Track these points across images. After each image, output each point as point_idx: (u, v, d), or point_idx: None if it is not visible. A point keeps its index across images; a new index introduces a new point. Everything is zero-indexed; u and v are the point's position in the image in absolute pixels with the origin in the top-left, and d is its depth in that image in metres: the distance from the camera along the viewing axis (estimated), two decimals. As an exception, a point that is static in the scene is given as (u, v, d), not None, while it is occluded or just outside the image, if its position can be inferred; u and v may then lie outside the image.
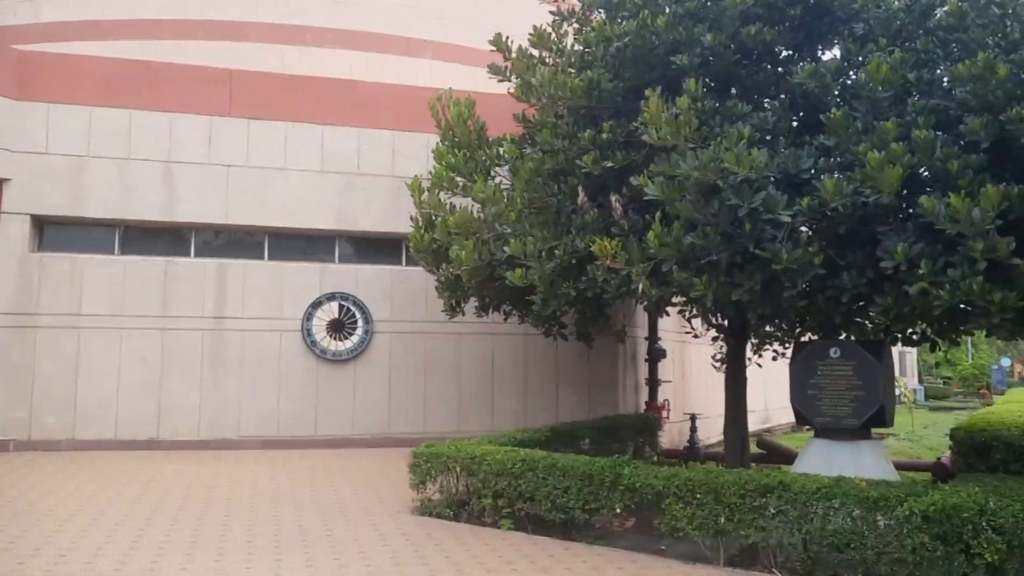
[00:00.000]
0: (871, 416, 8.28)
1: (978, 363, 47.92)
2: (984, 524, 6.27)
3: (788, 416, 24.36)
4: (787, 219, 7.21)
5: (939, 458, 13.18)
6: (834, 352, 8.46)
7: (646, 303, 9.91)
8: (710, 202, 7.56)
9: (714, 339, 11.85)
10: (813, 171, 7.72)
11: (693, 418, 14.91)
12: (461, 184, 10.53)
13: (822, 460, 8.41)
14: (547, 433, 10.77)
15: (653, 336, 15.30)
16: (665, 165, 7.39)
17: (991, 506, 6.35)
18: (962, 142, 7.27)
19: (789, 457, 14.07)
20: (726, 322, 10.86)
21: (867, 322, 8.88)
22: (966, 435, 8.98)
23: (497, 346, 14.64)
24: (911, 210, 7.51)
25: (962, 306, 7.00)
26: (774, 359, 12.92)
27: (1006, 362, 45.40)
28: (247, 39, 17.73)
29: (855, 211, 7.39)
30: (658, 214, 7.75)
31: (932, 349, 9.59)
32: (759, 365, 12.47)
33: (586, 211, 8.80)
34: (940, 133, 7.23)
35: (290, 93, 14.22)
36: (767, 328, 11.93)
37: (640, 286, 7.88)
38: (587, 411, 14.52)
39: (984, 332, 8.60)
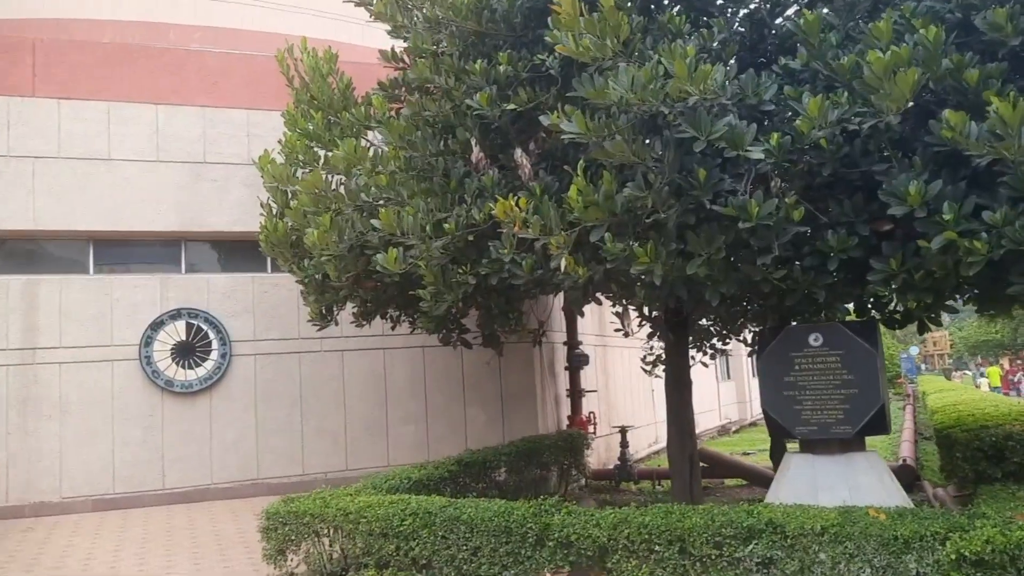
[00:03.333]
0: (869, 420, 6.32)
1: (885, 353, 48.34)
2: (1066, 568, 4.41)
3: (714, 420, 23.00)
4: (759, 156, 5.22)
5: (903, 459, 11.59)
6: (815, 339, 6.47)
7: (566, 295, 7.78)
8: (651, 141, 5.49)
9: (649, 336, 9.80)
10: (777, 102, 5.82)
11: (623, 432, 12.91)
12: (322, 156, 8.15)
13: (806, 483, 6.43)
14: (452, 467, 8.61)
15: (573, 339, 13.19)
16: (589, 87, 5.25)
17: (1070, 541, 4.49)
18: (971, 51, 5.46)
19: (735, 469, 12.27)
20: (662, 314, 8.83)
21: (858, 298, 6.93)
22: (970, 435, 7.15)
23: (390, 362, 12.26)
24: (914, 142, 5.65)
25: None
26: (712, 358, 11.06)
27: (914, 351, 45.77)
28: (101, 37, 14.92)
29: (839, 148, 5.53)
30: (580, 162, 5.63)
31: (920, 331, 7.80)
32: (704, 364, 10.54)
33: (483, 171, 6.57)
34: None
35: (114, 66, 11.45)
36: (703, 321, 10.05)
37: (562, 264, 5.72)
38: (501, 432, 12.30)
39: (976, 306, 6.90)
